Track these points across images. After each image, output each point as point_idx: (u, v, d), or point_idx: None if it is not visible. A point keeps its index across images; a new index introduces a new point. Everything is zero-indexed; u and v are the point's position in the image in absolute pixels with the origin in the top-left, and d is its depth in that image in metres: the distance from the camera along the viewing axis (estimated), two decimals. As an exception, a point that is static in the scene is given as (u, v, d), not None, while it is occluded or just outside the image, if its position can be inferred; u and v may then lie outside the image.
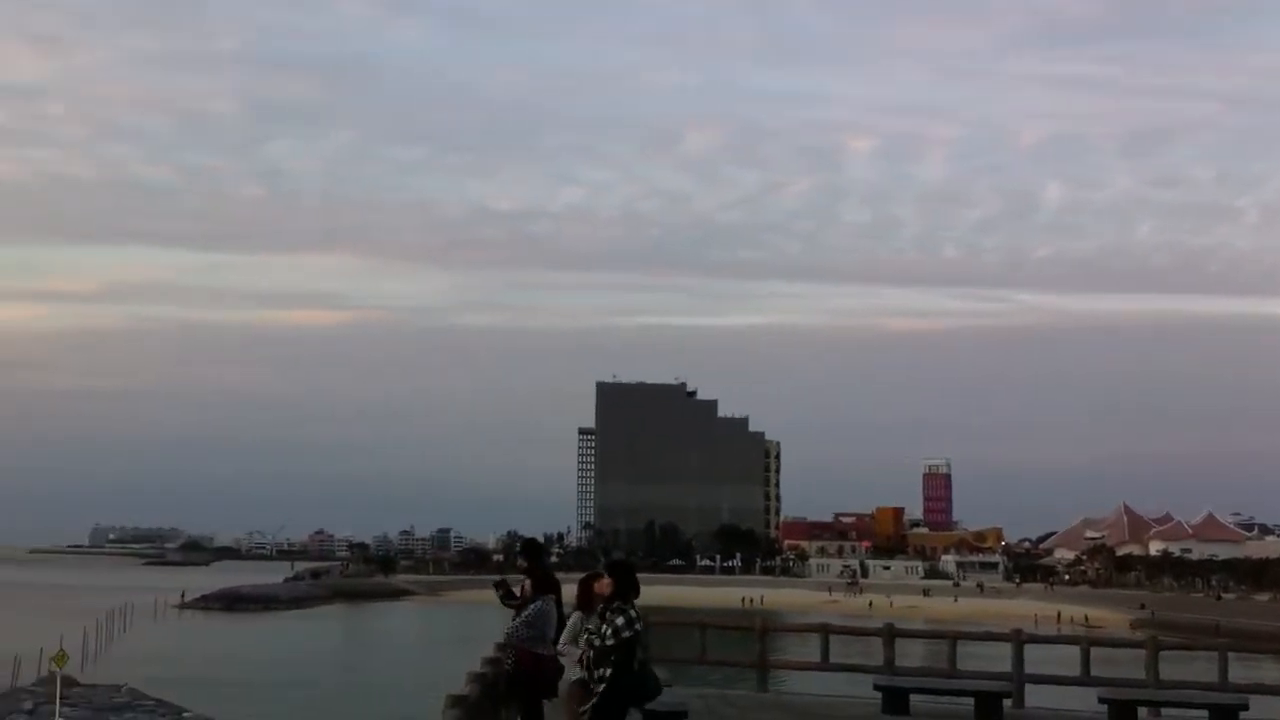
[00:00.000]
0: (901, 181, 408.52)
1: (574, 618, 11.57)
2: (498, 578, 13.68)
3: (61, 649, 32.57)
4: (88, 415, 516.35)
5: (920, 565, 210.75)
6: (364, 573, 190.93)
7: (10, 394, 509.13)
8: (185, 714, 33.95)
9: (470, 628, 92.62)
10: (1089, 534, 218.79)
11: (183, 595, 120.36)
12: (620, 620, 10.36)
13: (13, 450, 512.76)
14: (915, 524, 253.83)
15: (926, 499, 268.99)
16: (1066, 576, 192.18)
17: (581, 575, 11.80)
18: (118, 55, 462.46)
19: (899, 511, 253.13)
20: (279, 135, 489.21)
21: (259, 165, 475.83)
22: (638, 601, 10.74)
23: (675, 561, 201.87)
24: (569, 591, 12.21)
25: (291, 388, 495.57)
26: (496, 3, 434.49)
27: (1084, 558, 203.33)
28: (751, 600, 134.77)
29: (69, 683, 33.74)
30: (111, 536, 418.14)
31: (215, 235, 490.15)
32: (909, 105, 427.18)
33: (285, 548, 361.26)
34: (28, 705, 31.99)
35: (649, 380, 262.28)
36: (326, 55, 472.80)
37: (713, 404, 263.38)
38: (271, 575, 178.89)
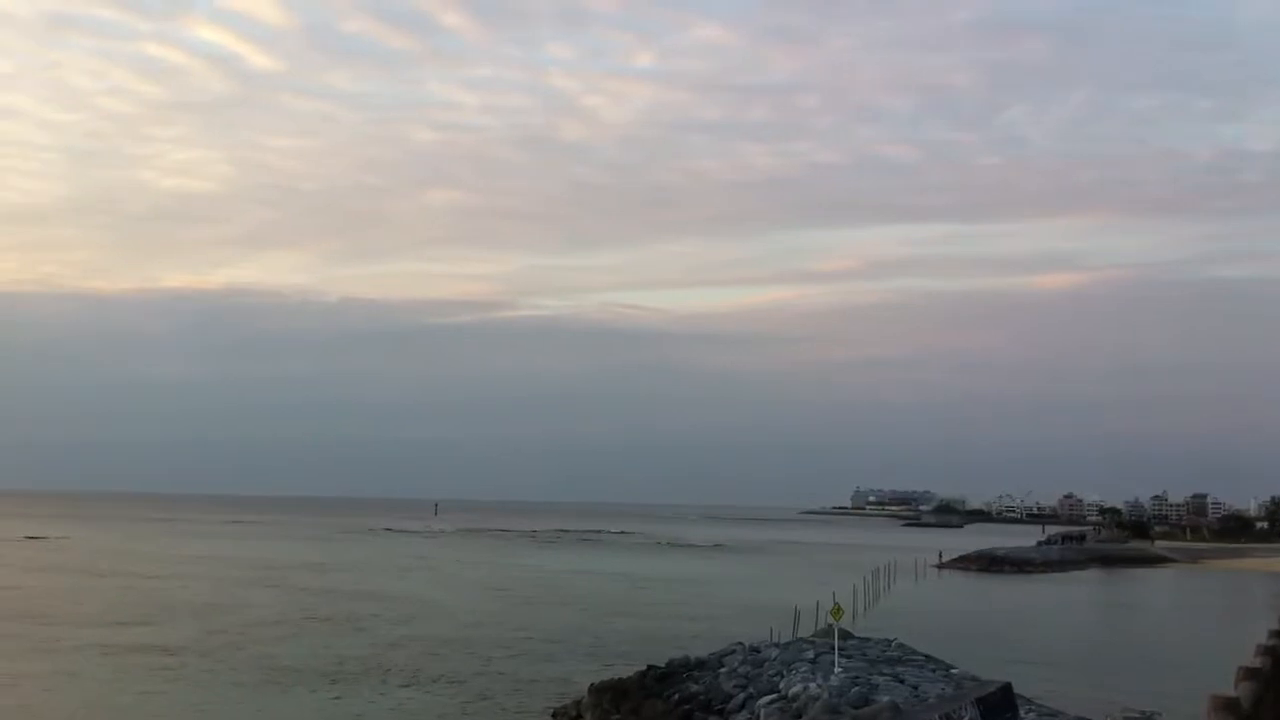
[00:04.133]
0: None
1: None
2: None
3: (837, 603, 35.14)
4: (845, 387, 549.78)
5: None
6: (1117, 538, 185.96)
7: (771, 369, 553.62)
8: (953, 670, 35.15)
9: (1237, 598, 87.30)
10: None
11: (940, 555, 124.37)
12: None
13: (775, 422, 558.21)
14: None
15: None
16: None
17: None
18: (861, 42, 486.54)
19: None
20: (1014, 102, 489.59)
21: (996, 134, 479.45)
22: None
23: None
24: None
25: (1034, 351, 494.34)
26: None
27: None
28: None
29: (844, 635, 36.23)
30: (871, 499, 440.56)
31: (957, 207, 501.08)
32: None
33: (1034, 511, 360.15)
34: (809, 654, 34.77)
35: None
36: (1057, 11, 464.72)
37: None
38: (1023, 539, 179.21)
